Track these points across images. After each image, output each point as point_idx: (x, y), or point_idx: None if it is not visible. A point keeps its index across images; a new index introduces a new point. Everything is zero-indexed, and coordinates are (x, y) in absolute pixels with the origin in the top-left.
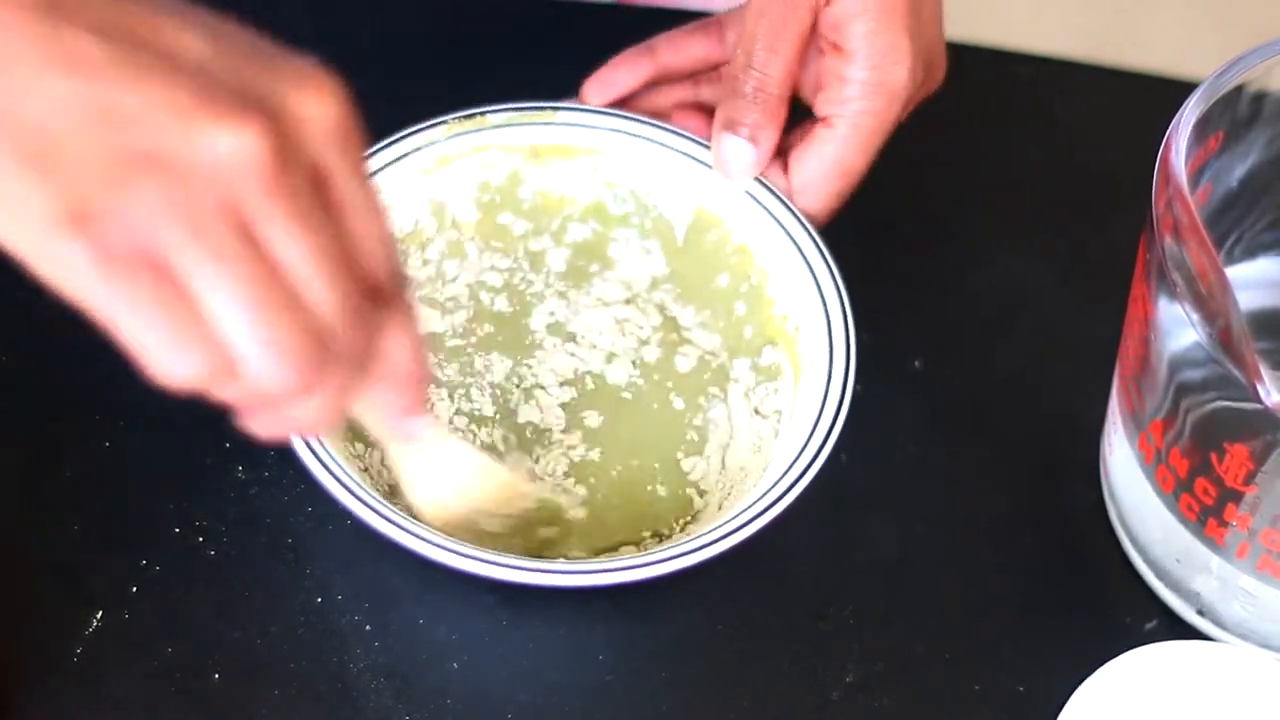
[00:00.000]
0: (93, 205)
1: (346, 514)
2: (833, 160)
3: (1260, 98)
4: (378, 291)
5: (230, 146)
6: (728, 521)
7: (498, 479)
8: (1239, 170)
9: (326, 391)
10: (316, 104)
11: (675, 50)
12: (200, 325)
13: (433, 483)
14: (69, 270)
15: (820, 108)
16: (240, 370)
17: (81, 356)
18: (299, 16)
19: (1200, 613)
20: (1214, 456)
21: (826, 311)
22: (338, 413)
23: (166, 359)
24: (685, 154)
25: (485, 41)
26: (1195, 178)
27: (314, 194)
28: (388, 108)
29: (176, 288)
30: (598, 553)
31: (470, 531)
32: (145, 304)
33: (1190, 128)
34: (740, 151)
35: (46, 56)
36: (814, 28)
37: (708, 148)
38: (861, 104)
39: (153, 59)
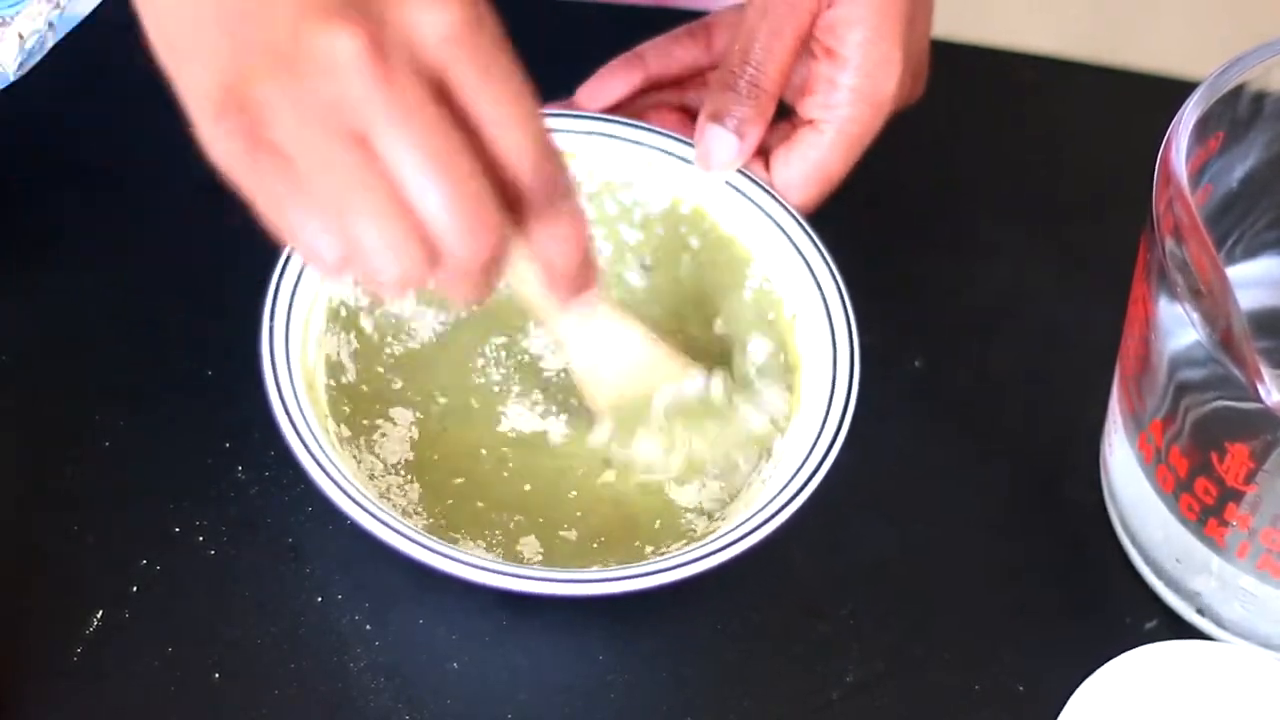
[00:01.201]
0: (233, 95)
1: (347, 516)
2: (815, 164)
3: (1260, 98)
4: (517, 196)
5: (331, 49)
6: (731, 531)
7: (659, 357)
8: (1239, 170)
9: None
10: (427, 11)
11: (664, 57)
12: (320, 215)
13: (600, 363)
14: (220, 153)
15: (807, 111)
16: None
17: (82, 356)
18: None
19: (1200, 613)
20: (1214, 456)
21: (829, 313)
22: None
23: (303, 248)
24: (663, 150)
25: None
26: (1195, 178)
27: (428, 97)
28: None
29: (296, 176)
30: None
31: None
32: (274, 190)
33: (1190, 128)
34: (725, 143)
35: None
36: (812, 30)
37: (687, 144)
38: (849, 111)
39: None
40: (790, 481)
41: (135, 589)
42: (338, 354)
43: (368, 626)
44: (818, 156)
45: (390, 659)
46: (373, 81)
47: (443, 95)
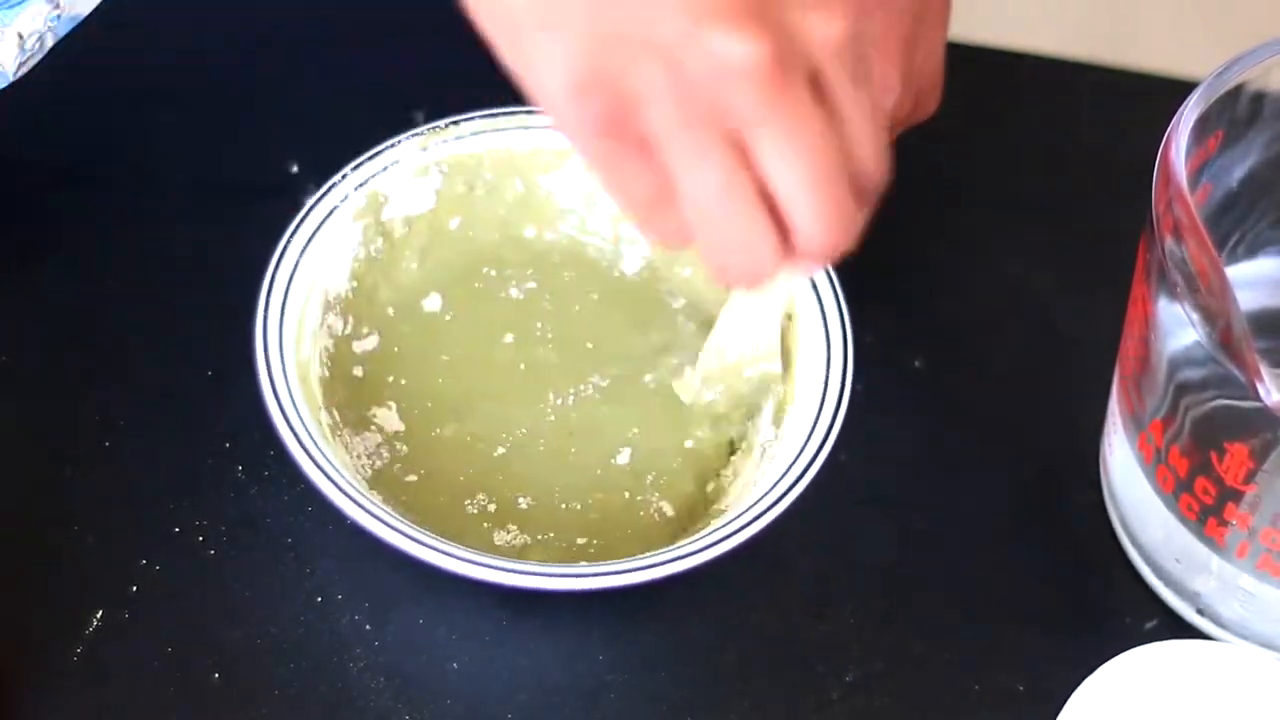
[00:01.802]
0: (600, 76)
1: (346, 516)
2: None
3: (1260, 98)
4: (861, 193)
5: (735, 53)
6: (729, 524)
7: (775, 340)
8: (1239, 170)
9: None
10: (826, 24)
11: None
12: (671, 201)
13: (734, 333)
14: (572, 130)
15: None
16: (702, 255)
17: (81, 356)
18: (295, 16)
19: (1200, 613)
20: (1214, 456)
21: (822, 307)
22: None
23: (641, 220)
24: None
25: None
26: (1195, 178)
27: (814, 112)
28: (391, 108)
29: (656, 164)
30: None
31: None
32: (628, 173)
33: (1190, 128)
34: None
35: None
36: None
37: None
38: None
39: None
40: (784, 476)
41: (135, 589)
42: (333, 346)
43: (368, 626)
44: None
45: (390, 659)
46: (769, 95)
47: (817, 95)
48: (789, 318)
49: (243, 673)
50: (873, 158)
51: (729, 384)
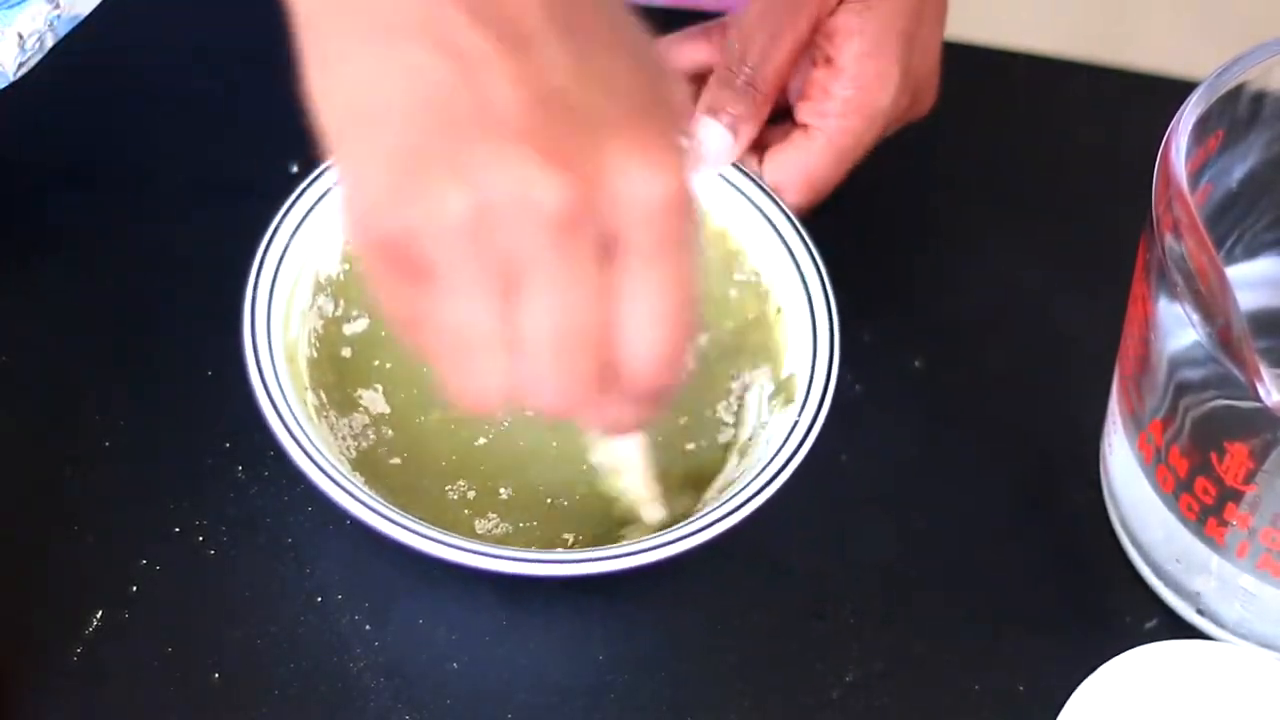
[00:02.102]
0: (394, 239)
1: (346, 515)
2: (803, 169)
3: (1260, 98)
4: (619, 373)
5: (535, 194)
6: (718, 507)
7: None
8: (1239, 170)
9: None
10: (643, 183)
11: (675, 54)
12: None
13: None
14: (358, 240)
15: (801, 115)
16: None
17: (81, 356)
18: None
19: (1200, 613)
20: (1214, 456)
21: (808, 293)
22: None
23: (401, 331)
24: None
25: None
26: (1195, 178)
27: (593, 272)
28: None
29: (434, 291)
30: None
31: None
32: (399, 291)
33: (1190, 128)
34: (718, 137)
35: (425, 29)
36: (812, 36)
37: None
38: (841, 121)
39: (515, 68)
40: (770, 463)
41: (135, 589)
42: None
43: (368, 626)
44: (806, 161)
45: (390, 659)
46: (551, 244)
47: (606, 255)
48: (778, 311)
49: (243, 673)
50: (648, 345)
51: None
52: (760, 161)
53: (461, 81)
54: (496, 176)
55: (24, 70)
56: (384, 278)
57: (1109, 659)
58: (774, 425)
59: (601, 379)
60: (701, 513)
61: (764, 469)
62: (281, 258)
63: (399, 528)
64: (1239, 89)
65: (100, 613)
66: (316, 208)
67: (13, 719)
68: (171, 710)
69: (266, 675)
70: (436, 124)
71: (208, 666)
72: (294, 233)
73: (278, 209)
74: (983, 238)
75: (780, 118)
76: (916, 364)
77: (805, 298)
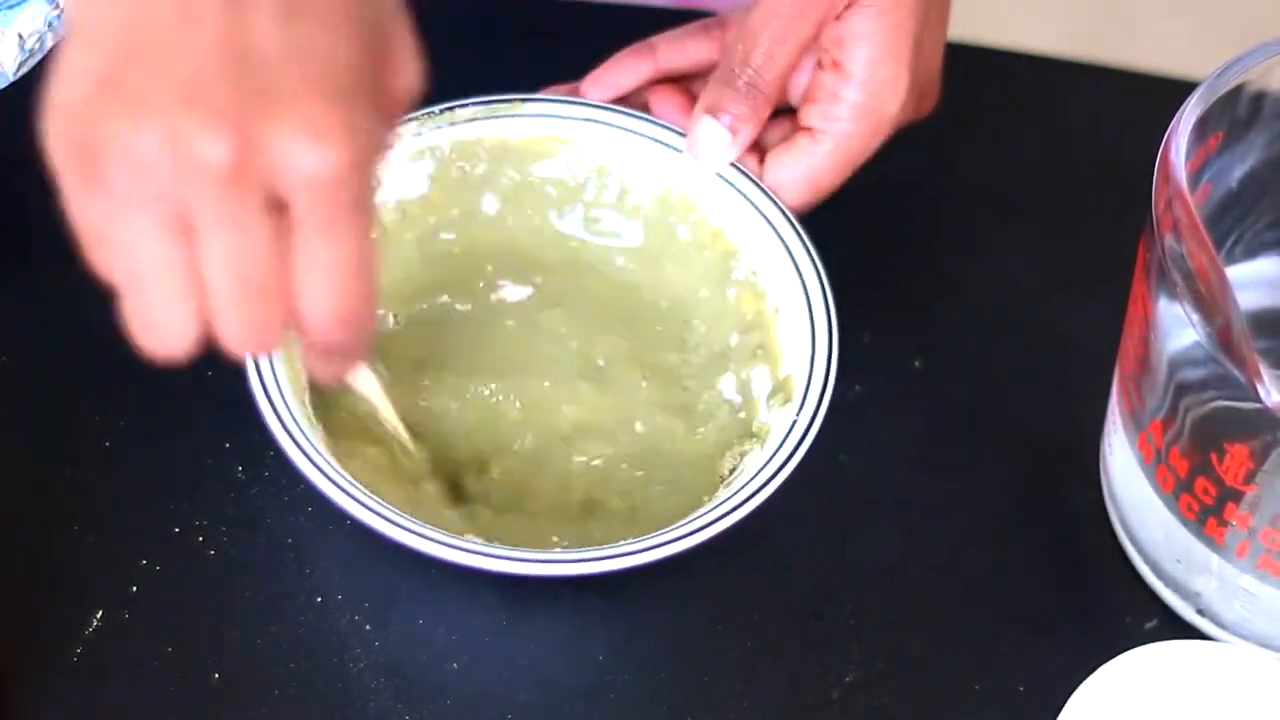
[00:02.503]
0: (79, 143)
1: (346, 515)
2: (807, 172)
3: (1260, 98)
4: (308, 331)
5: (198, 148)
6: (717, 507)
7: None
8: (1239, 170)
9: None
10: (304, 152)
11: (676, 51)
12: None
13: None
14: (51, 144)
15: (807, 118)
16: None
17: (81, 356)
18: None
19: (1200, 613)
20: (1214, 456)
21: (806, 293)
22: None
23: (86, 247)
24: (657, 140)
25: (488, 41)
26: (1195, 178)
27: (261, 223)
28: None
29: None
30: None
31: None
32: (87, 205)
33: (1190, 128)
34: (717, 137)
35: None
36: (817, 39)
37: (680, 134)
38: (849, 126)
39: (224, 23)
40: (769, 463)
41: (135, 589)
42: None
43: (368, 626)
44: (811, 164)
45: (390, 659)
46: (220, 199)
47: (281, 223)
48: (775, 311)
49: (243, 673)
50: (321, 305)
51: None
52: (760, 162)
53: (174, 23)
54: (166, 122)
55: (24, 70)
56: (69, 177)
57: (1109, 659)
58: (773, 425)
59: (287, 325)
60: (701, 512)
61: (763, 469)
62: None
63: (399, 528)
64: (1239, 89)
65: (100, 613)
66: None
67: (13, 719)
68: (171, 710)
69: (266, 675)
70: (137, 55)
71: (208, 666)
72: None
73: None
74: (982, 238)
75: (775, 115)
76: (916, 364)
77: (803, 297)
